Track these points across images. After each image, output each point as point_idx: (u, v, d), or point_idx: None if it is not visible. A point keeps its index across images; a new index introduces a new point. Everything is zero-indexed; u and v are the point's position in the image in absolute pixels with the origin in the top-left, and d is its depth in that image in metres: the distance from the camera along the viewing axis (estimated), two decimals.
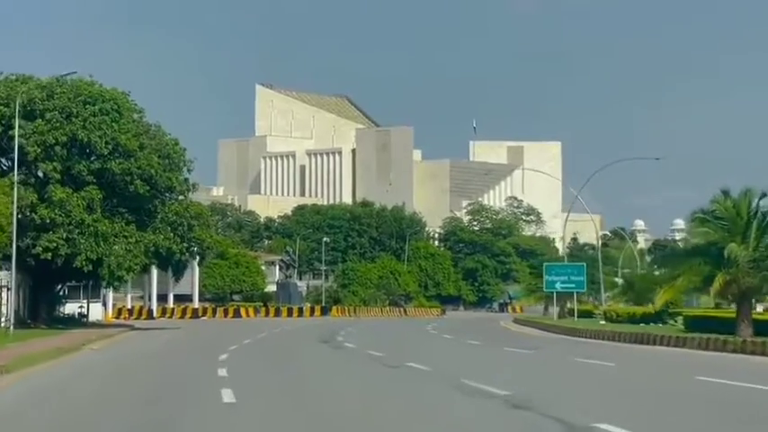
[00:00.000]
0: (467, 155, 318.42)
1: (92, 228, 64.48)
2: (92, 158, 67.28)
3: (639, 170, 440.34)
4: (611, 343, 49.98)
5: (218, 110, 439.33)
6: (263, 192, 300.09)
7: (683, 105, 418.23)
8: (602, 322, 68.59)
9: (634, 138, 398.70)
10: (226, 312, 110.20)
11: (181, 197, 72.51)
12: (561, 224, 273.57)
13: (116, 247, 65.85)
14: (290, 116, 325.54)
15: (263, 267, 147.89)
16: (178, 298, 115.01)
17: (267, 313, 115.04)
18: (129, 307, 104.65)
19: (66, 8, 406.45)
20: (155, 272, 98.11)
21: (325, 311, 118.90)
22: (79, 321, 76.25)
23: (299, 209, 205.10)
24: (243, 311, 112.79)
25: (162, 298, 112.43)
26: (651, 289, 67.59)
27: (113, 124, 66.43)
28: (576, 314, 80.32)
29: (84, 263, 64.47)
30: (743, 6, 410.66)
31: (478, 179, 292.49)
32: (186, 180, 72.63)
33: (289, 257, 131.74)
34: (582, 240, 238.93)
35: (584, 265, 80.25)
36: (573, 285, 76.31)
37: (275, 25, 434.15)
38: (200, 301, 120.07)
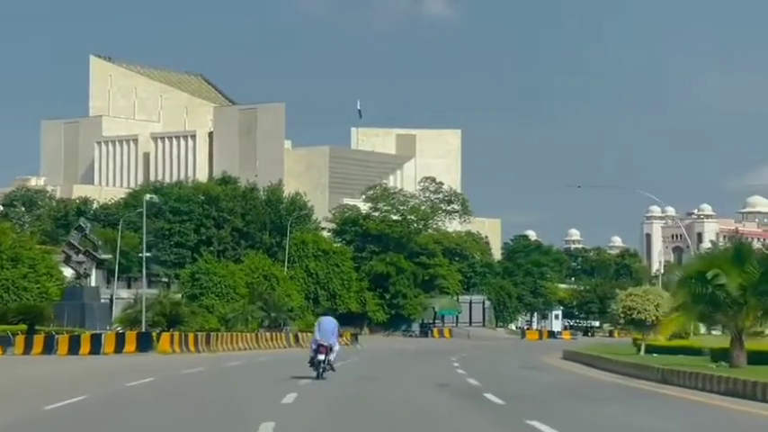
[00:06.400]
0: (347, 143, 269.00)
1: None
2: None
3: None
4: None
5: (41, 85, 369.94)
6: (96, 182, 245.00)
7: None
8: None
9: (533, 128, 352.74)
10: None
11: None
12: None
13: None
14: (133, 95, 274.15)
15: (65, 271, 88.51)
16: None
17: (27, 348, 55.35)
18: None
19: None
20: None
21: (144, 342, 59.07)
22: None
23: (133, 195, 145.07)
24: None
25: None
26: None
27: None
28: None
29: None
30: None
31: (362, 171, 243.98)
32: None
33: (82, 238, 71.59)
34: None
35: None
36: None
37: None
38: None
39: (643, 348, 54.42)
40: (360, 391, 29.30)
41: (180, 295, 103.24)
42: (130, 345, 57.85)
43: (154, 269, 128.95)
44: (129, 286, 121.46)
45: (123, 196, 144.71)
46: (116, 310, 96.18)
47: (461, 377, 36.70)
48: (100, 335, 58.35)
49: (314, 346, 34.57)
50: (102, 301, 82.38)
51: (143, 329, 66.50)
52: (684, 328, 48.52)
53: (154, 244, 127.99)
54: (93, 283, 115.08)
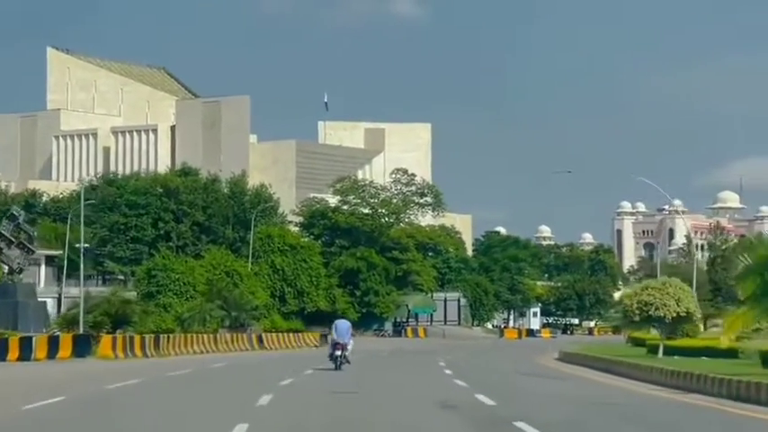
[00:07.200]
0: (314, 137, 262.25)
1: None
2: None
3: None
4: None
5: None
6: (54, 178, 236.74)
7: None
8: None
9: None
10: None
11: None
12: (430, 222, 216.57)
13: None
14: (93, 88, 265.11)
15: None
16: None
17: None
18: None
19: None
20: None
21: (81, 346, 51.10)
22: None
23: (90, 188, 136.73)
24: None
25: None
26: None
27: None
28: None
29: None
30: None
31: (329, 166, 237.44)
32: None
33: (15, 228, 63.53)
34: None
35: None
36: None
37: None
38: None
39: (661, 350, 46.87)
40: (332, 418, 21.62)
41: (135, 293, 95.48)
42: (65, 349, 49.86)
43: (108, 266, 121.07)
44: (84, 284, 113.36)
45: (76, 189, 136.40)
46: (64, 310, 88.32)
47: (464, 391, 28.97)
48: (30, 338, 50.28)
49: (331, 344, 42.89)
50: (40, 299, 74.05)
51: (82, 331, 58.45)
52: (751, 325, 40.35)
53: (109, 239, 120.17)
54: (41, 280, 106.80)
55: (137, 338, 55.39)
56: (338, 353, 41.52)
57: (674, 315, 45.04)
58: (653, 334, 73.55)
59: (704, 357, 47.25)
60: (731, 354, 48.60)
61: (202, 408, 23.63)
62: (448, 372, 40.03)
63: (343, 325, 42.96)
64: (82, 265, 77.89)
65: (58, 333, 56.51)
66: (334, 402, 25.56)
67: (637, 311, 45.94)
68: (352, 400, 26.33)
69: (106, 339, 52.65)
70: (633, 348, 62.11)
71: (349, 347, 42.08)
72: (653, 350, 51.52)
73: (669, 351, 47.94)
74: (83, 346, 50.90)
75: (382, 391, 29.20)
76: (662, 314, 45.21)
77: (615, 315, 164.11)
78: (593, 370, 42.27)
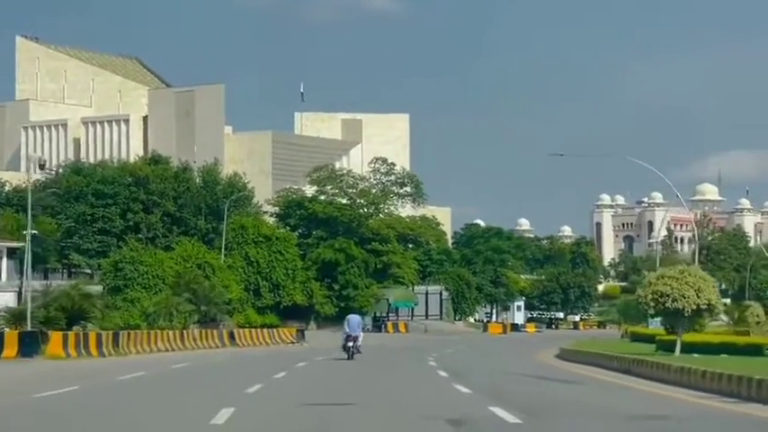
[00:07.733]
0: (290, 128, 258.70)
1: None
2: None
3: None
4: None
5: None
6: (23, 169, 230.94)
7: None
8: None
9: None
10: None
11: None
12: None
13: None
14: (63, 78, 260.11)
15: None
16: None
17: None
18: None
19: None
20: None
21: (28, 344, 45.71)
22: None
23: (40, 166, 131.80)
24: None
25: None
26: None
27: None
28: None
29: None
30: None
31: (306, 157, 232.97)
32: None
33: None
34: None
35: None
36: None
37: None
38: None
39: (679, 347, 41.84)
40: None
41: (102, 287, 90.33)
42: (11, 348, 44.42)
43: (74, 258, 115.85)
44: (45, 277, 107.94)
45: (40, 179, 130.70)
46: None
47: (471, 400, 23.67)
48: None
49: (344, 336, 47.78)
50: None
51: (30, 328, 52.86)
52: None
53: (75, 230, 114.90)
54: (2, 274, 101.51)
55: (92, 336, 49.93)
56: (350, 344, 46.81)
57: (694, 307, 39.98)
58: (652, 328, 68.77)
59: (723, 355, 42.50)
60: (752, 351, 43.95)
61: (140, 428, 18.36)
62: (443, 374, 34.72)
63: (354, 319, 48.74)
64: (28, 255, 72.70)
65: (4, 330, 51.19)
66: (310, 418, 20.30)
67: (652, 303, 40.84)
68: (333, 414, 21.08)
69: (56, 337, 47.16)
70: (637, 345, 57.29)
71: (360, 340, 47.71)
72: (663, 347, 46.68)
73: (682, 348, 43.15)
74: (30, 345, 45.47)
75: (369, 403, 23.65)
76: (680, 306, 40.10)
77: (601, 309, 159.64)
78: (607, 370, 37.12)
